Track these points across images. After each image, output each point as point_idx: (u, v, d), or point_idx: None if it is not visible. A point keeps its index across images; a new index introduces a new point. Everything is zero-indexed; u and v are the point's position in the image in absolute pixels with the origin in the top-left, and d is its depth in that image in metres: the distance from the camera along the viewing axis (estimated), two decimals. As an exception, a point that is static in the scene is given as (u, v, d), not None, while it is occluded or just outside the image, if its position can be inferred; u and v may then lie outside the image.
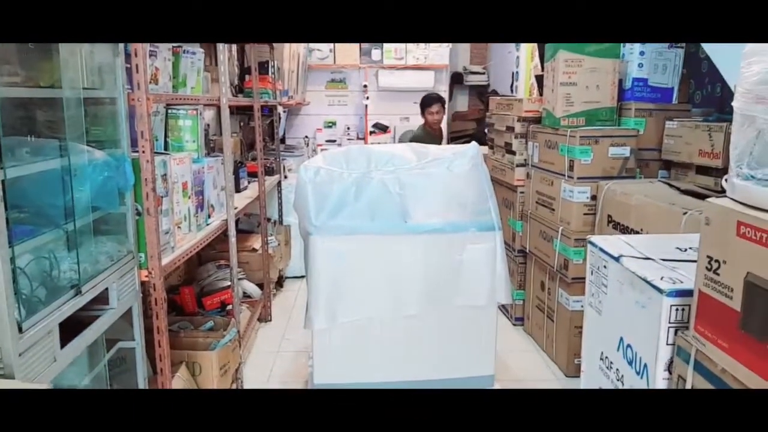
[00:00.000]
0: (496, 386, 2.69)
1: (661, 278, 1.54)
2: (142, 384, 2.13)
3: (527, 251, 3.82)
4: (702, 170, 2.91)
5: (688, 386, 1.41)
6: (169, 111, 2.84)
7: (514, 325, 4.03)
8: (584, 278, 2.02)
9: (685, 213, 2.33)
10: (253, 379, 3.27)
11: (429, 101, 4.90)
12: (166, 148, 2.81)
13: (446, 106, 4.93)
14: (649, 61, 3.32)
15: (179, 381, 2.54)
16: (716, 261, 1.30)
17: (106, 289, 1.88)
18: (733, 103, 1.30)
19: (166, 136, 2.85)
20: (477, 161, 2.62)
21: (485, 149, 4.73)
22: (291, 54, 5.26)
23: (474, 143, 2.70)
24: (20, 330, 1.37)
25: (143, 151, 2.08)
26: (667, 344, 1.50)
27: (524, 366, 3.46)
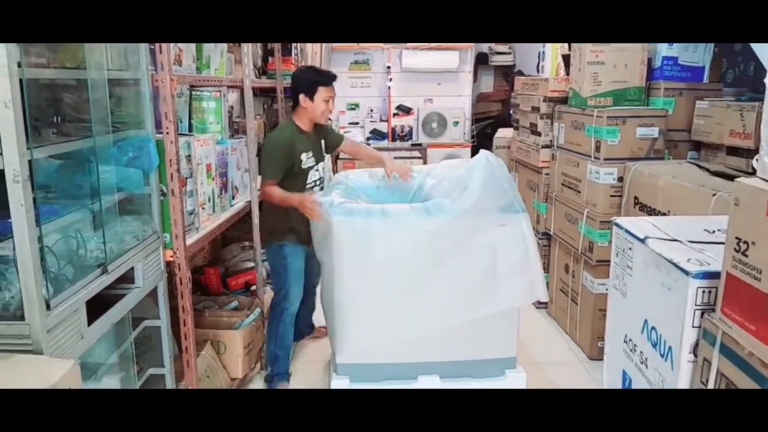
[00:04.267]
0: (518, 368, 2.68)
1: (688, 260, 1.51)
2: (167, 362, 2.17)
3: (551, 234, 3.78)
4: (733, 151, 2.84)
5: (714, 369, 1.38)
6: (193, 92, 2.86)
7: (537, 308, 4.00)
8: (609, 261, 1.99)
9: (714, 194, 2.28)
10: (277, 359, 3.30)
11: (324, 78, 2.86)
12: (190, 130, 2.83)
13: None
14: (680, 39, 3.24)
15: (204, 359, 2.59)
16: (745, 242, 1.27)
17: (132, 268, 1.92)
18: (765, 80, 1.26)
19: (190, 117, 2.88)
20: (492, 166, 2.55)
21: (509, 131, 4.68)
22: (314, 36, 5.23)
23: (483, 153, 2.63)
24: (48, 307, 1.41)
25: (167, 133, 2.10)
26: (693, 327, 1.47)
27: (547, 349, 3.44)
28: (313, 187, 2.90)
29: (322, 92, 2.81)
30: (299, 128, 2.86)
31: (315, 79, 2.83)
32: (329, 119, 2.89)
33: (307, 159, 2.85)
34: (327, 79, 2.86)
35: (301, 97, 2.81)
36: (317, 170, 2.93)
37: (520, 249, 2.49)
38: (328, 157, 3.19)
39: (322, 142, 3.03)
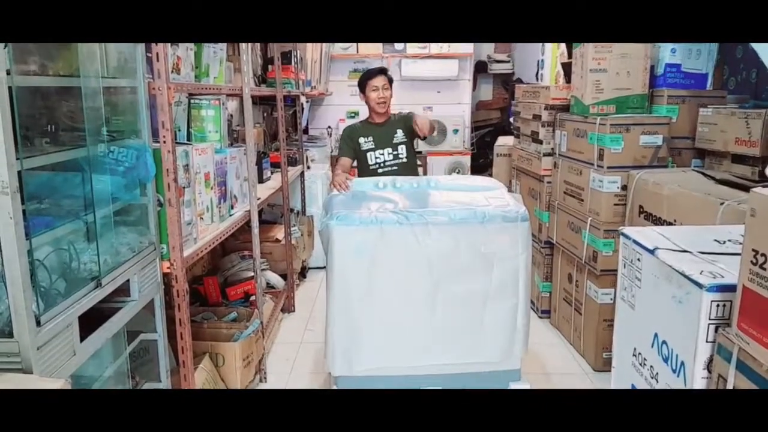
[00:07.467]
0: (523, 380, 2.62)
1: (701, 272, 1.46)
2: (164, 376, 2.11)
3: (554, 243, 3.73)
4: (738, 159, 2.80)
5: (730, 387, 1.33)
6: (192, 101, 2.82)
7: (541, 318, 3.95)
8: (614, 270, 1.95)
9: (722, 203, 2.23)
10: (276, 371, 3.25)
11: (369, 74, 3.44)
12: (188, 139, 2.79)
13: (392, 82, 3.45)
14: (683, 46, 3.20)
15: (202, 372, 2.53)
16: (762, 255, 1.22)
17: (128, 281, 1.86)
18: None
19: (188, 126, 2.83)
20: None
21: (510, 138, 4.64)
22: (314, 44, 5.21)
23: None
24: (38, 323, 1.35)
25: (164, 141, 2.05)
26: (707, 342, 1.42)
27: (551, 360, 3.39)
28: (376, 168, 3.39)
29: (370, 85, 3.37)
30: (366, 121, 3.55)
31: (363, 78, 3.43)
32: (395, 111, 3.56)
33: (365, 143, 3.42)
34: (372, 72, 3.42)
35: (360, 96, 3.48)
36: (381, 153, 3.41)
37: (513, 264, 2.42)
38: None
39: (398, 131, 3.44)
